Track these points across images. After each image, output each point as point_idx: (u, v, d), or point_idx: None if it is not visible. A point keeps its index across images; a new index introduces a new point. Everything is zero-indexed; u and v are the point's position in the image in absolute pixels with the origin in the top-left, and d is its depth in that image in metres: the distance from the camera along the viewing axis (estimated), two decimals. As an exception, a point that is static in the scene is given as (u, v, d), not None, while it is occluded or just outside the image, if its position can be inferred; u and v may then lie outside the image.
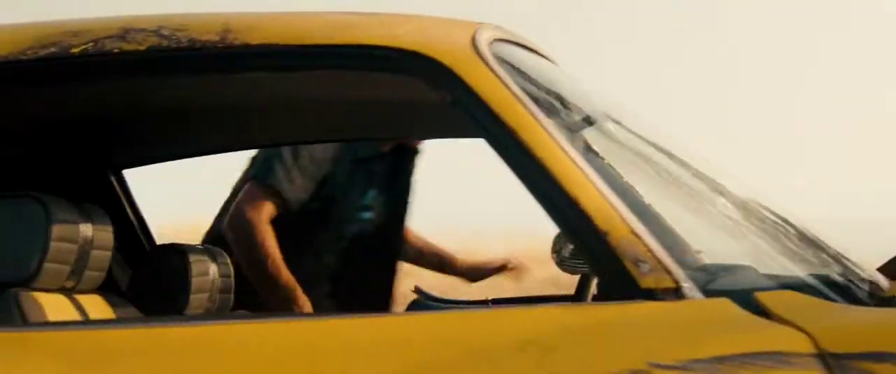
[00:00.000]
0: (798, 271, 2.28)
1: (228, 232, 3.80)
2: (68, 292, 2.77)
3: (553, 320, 2.11)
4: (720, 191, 2.51)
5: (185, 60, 2.48)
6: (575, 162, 2.27)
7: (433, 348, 2.07)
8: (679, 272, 2.16)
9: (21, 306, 2.61)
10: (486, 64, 2.37)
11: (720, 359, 2.01)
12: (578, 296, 3.30)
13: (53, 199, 2.70)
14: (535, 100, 2.36)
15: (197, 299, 3.16)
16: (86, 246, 2.76)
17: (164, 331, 2.16)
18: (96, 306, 2.85)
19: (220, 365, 2.06)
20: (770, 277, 2.25)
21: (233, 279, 3.29)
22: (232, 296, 3.28)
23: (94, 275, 2.82)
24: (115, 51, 2.46)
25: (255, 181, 3.81)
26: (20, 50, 2.49)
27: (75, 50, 2.48)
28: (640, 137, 2.61)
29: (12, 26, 2.60)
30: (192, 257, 3.18)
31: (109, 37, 2.48)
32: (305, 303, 3.71)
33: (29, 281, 2.65)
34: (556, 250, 2.87)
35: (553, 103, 2.44)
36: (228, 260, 3.31)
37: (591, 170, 2.27)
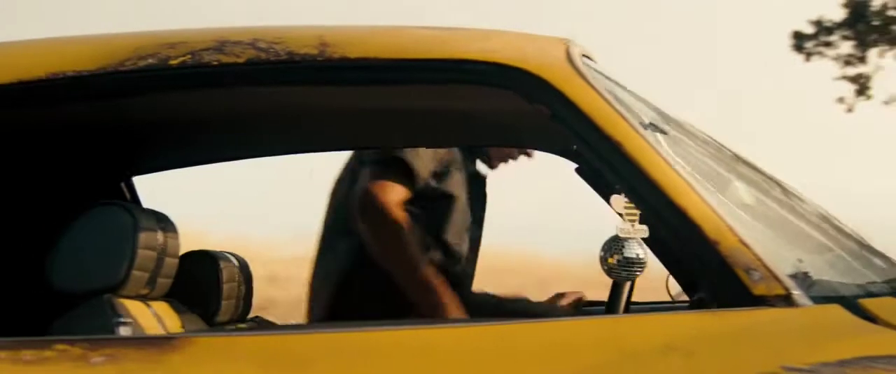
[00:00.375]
0: (876, 277, 2.41)
1: (361, 223, 3.48)
2: (143, 298, 2.81)
3: (689, 325, 2.22)
4: (792, 196, 2.62)
5: (284, 73, 2.53)
6: (679, 173, 2.37)
7: (591, 351, 2.18)
8: (788, 280, 2.27)
9: (117, 312, 2.64)
10: (584, 78, 2.46)
11: (844, 363, 2.13)
12: (612, 303, 3.40)
13: (136, 207, 2.74)
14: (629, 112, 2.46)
15: (227, 306, 3.21)
16: (161, 254, 2.80)
17: (347, 336, 2.23)
18: (166, 313, 2.90)
19: (400, 369, 2.14)
20: (861, 284, 2.36)
21: (252, 285, 3.34)
22: (250, 302, 3.33)
23: (164, 282, 2.87)
24: (214, 63, 2.51)
25: (377, 163, 3.55)
26: (119, 61, 2.53)
27: (174, 61, 2.52)
28: (705, 143, 2.71)
29: (104, 37, 2.64)
30: (223, 264, 3.22)
31: (207, 49, 2.53)
32: (451, 299, 3.44)
33: (117, 288, 2.69)
34: (604, 258, 2.94)
35: (640, 116, 2.53)
36: (248, 266, 3.35)
37: (693, 180, 2.37)
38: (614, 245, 2.85)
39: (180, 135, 3.44)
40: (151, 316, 2.80)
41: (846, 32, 15.63)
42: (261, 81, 2.56)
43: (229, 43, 2.54)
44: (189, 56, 2.52)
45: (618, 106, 2.44)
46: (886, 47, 15.53)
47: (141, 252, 2.72)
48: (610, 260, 2.93)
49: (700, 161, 2.60)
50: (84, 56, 2.55)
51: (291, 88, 2.69)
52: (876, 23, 15.51)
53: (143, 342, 2.19)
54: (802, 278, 2.34)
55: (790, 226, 2.53)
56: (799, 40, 15.92)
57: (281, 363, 2.15)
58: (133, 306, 2.72)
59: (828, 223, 2.60)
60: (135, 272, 2.71)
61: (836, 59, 15.88)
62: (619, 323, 2.29)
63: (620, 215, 2.82)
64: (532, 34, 2.60)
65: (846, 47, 15.80)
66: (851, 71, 15.78)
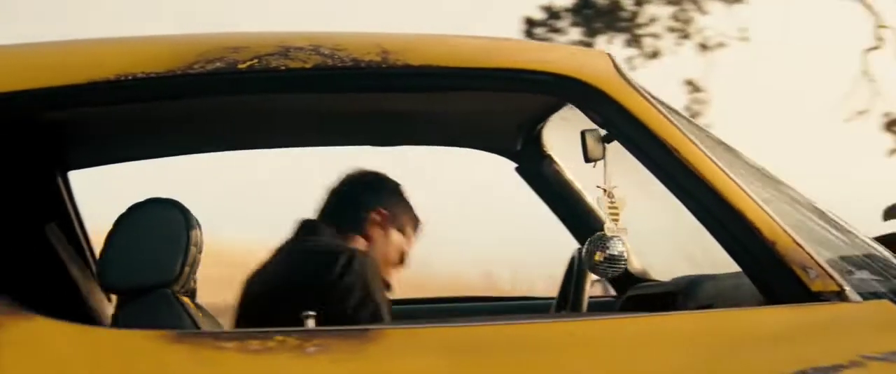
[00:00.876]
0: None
1: None
2: (183, 293, 2.87)
3: (781, 318, 2.46)
4: (804, 198, 2.86)
5: (349, 79, 2.64)
6: (731, 178, 2.59)
7: (711, 340, 2.41)
8: (840, 277, 2.52)
9: (178, 306, 2.70)
10: (635, 88, 2.66)
11: None
12: (563, 299, 3.61)
13: (183, 205, 2.80)
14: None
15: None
16: (198, 250, 2.86)
17: (523, 328, 2.41)
18: (193, 308, 2.95)
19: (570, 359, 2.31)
20: (891, 281, 2.61)
21: None
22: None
23: (194, 278, 2.93)
24: (282, 68, 2.60)
25: None
26: (187, 64, 2.59)
27: (242, 65, 2.60)
28: (725, 146, 2.92)
29: (163, 39, 2.69)
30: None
31: (272, 54, 2.62)
32: None
33: (171, 284, 2.74)
34: (589, 256, 3.13)
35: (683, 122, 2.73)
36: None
37: (745, 184, 2.59)
38: (599, 243, 3.05)
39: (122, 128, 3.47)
40: (196, 310, 2.86)
41: (575, 19, 16.12)
42: (326, 87, 2.67)
43: (293, 49, 2.63)
44: (256, 60, 2.61)
45: (669, 115, 2.64)
46: (613, 34, 16.11)
47: (191, 249, 2.78)
48: (596, 257, 3.13)
49: (738, 166, 2.81)
50: (150, 58, 2.60)
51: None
52: (602, 9, 16.08)
53: (345, 333, 2.32)
54: (847, 276, 2.59)
55: (813, 226, 2.77)
56: (530, 26, 16.34)
57: (464, 353, 2.32)
58: (186, 301, 2.78)
59: (833, 222, 2.84)
60: (186, 268, 2.77)
61: (565, 46, 16.32)
62: (729, 316, 2.49)
63: (606, 214, 3.04)
64: (579, 47, 2.78)
65: (575, 34, 16.30)
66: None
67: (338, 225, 3.39)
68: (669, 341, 2.38)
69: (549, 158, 3.67)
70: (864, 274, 2.65)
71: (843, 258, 2.62)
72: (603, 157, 2.90)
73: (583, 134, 2.88)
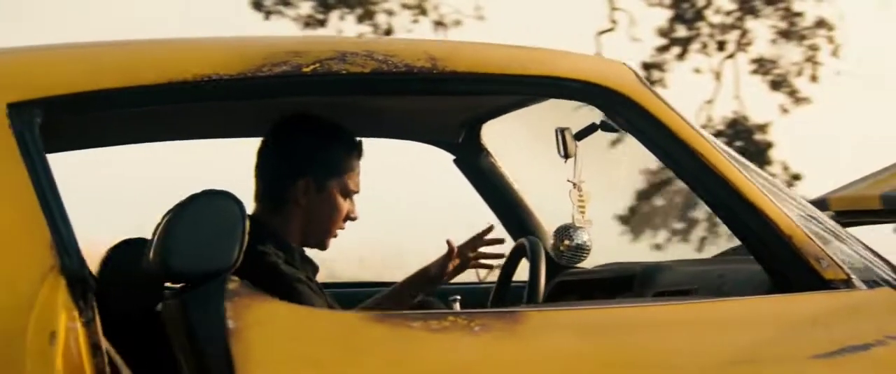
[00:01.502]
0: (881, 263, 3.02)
1: None
2: None
3: (813, 304, 2.80)
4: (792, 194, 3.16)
5: (403, 83, 2.84)
6: (749, 179, 2.89)
7: (779, 323, 2.76)
8: (846, 267, 2.85)
9: (251, 289, 2.83)
10: (656, 95, 2.93)
11: None
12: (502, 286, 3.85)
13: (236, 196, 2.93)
14: None
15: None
16: None
17: (647, 309, 2.79)
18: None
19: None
20: (885, 270, 2.95)
21: None
22: None
23: None
24: (343, 72, 2.78)
25: None
26: (256, 67, 2.74)
27: (306, 69, 2.76)
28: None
29: (226, 42, 2.83)
30: None
31: (331, 58, 2.79)
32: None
33: (228, 270, 2.86)
34: (556, 244, 3.37)
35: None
36: None
37: (761, 183, 2.89)
38: (566, 233, 3.32)
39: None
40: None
41: (308, -8, 16.18)
42: (381, 90, 2.85)
43: (349, 54, 2.81)
44: (318, 64, 2.77)
45: (687, 118, 2.93)
46: (347, 10, 16.28)
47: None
48: (561, 246, 3.39)
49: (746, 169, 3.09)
50: (222, 61, 2.74)
51: None
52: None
53: (499, 315, 2.63)
54: (850, 266, 2.91)
55: (810, 221, 3.08)
56: (259, -2, 16.26)
57: (597, 332, 2.65)
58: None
59: (819, 218, 3.16)
60: (241, 256, 2.89)
61: (296, 19, 16.42)
62: (776, 302, 2.82)
63: (574, 206, 3.31)
64: (599, 56, 3.04)
65: (306, 8, 16.38)
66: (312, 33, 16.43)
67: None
68: (738, 324, 2.72)
69: (487, 151, 3.91)
70: (860, 263, 2.97)
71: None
72: (575, 154, 3.17)
73: (557, 132, 3.14)
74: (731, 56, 17.83)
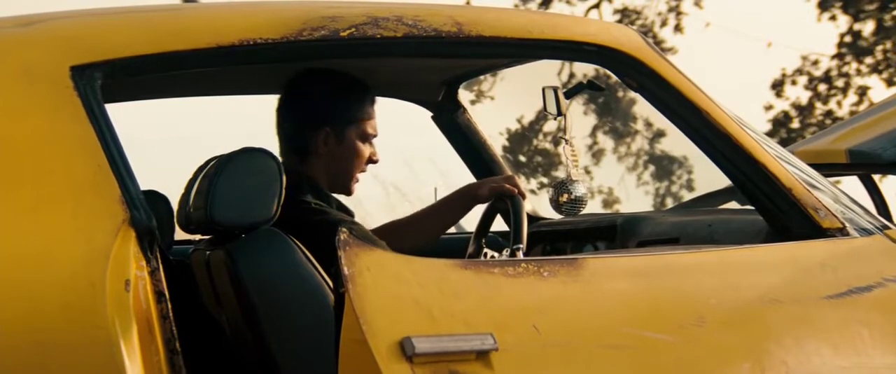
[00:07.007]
0: (864, 214, 3.24)
1: None
2: None
3: (817, 250, 3.02)
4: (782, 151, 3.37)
5: (432, 46, 2.99)
6: (751, 135, 3.09)
7: (794, 267, 2.98)
8: (841, 216, 3.08)
9: (278, 240, 3.01)
10: (664, 58, 3.12)
11: None
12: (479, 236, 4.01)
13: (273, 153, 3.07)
14: None
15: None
16: None
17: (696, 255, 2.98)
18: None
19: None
20: (870, 220, 3.17)
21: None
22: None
23: None
24: (378, 36, 2.92)
25: None
26: (296, 31, 2.87)
27: (344, 34, 2.90)
28: None
29: (266, 7, 2.94)
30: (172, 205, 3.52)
31: (365, 23, 2.93)
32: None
33: (268, 222, 3.01)
34: (554, 198, 3.56)
35: None
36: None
37: (761, 140, 3.10)
38: (564, 187, 3.52)
39: None
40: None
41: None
42: (413, 53, 3.00)
43: (381, 19, 2.95)
44: (354, 29, 2.91)
45: (693, 80, 3.12)
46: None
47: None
48: (560, 199, 3.59)
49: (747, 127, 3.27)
50: (264, 25, 2.86)
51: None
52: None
53: (562, 262, 2.80)
54: (843, 216, 3.13)
55: (805, 175, 3.28)
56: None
57: (646, 275, 2.86)
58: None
59: (810, 173, 3.36)
60: (279, 209, 3.05)
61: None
62: (788, 249, 3.02)
63: (569, 161, 3.50)
64: (608, 21, 3.23)
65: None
66: None
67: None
68: (759, 268, 2.95)
69: (463, 109, 4.07)
70: (849, 214, 3.19)
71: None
72: (566, 112, 3.36)
73: (549, 90, 3.33)
74: (596, 6, 18.16)
